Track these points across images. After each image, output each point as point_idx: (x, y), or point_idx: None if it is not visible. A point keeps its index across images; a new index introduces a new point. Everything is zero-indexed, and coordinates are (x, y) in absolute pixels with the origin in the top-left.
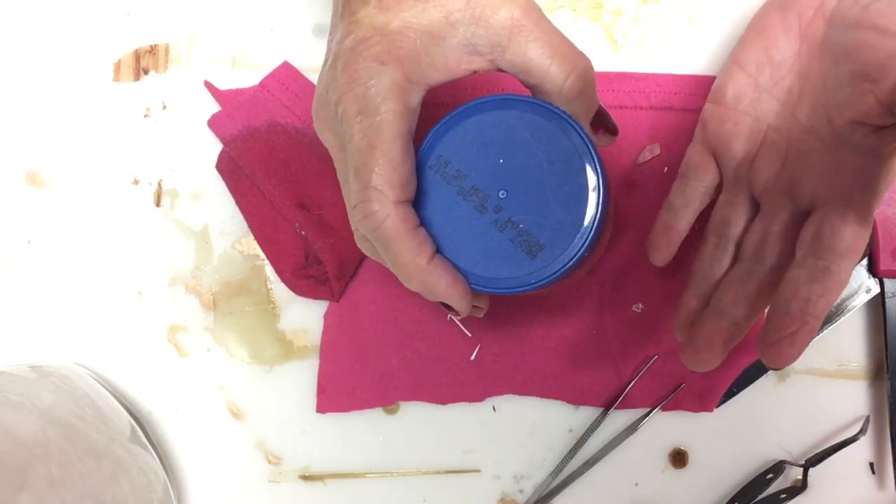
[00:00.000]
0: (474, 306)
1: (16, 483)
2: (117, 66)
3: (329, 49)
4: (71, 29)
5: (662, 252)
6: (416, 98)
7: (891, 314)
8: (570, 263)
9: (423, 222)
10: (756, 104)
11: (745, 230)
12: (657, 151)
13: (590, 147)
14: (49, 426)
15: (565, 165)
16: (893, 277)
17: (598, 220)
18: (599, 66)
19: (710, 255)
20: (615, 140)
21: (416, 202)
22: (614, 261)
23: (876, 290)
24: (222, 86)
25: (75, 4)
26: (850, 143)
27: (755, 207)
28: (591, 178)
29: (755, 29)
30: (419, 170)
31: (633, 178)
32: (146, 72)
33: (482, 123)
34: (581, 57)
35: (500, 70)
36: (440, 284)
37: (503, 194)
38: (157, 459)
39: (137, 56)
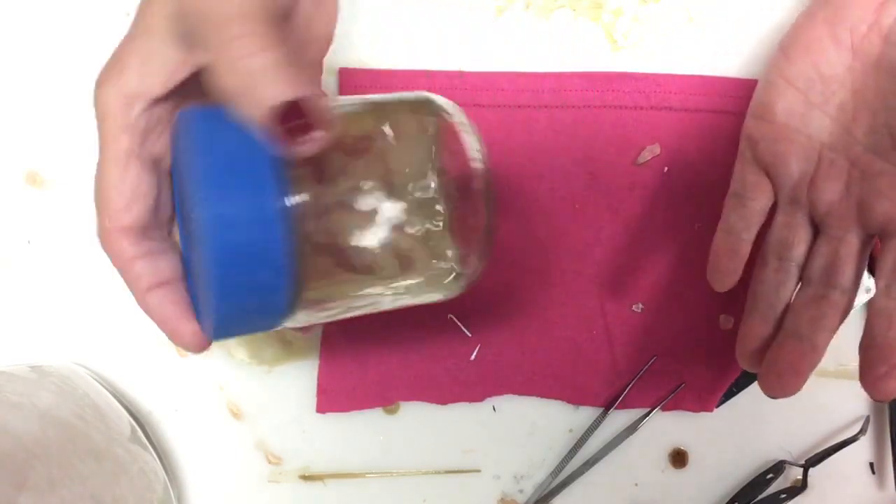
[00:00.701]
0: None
1: (16, 483)
2: None
3: None
4: (71, 29)
5: (728, 277)
6: (135, 113)
7: None
8: (224, 323)
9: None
10: (807, 121)
11: (807, 252)
12: (657, 151)
13: (251, 162)
14: (49, 426)
15: (232, 188)
16: None
17: (249, 266)
18: (599, 66)
19: (773, 278)
20: (319, 145)
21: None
22: (614, 261)
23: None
24: None
25: (75, 4)
26: None
27: (814, 228)
28: (236, 209)
29: (801, 43)
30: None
31: (633, 179)
32: None
33: (187, 138)
34: (242, 50)
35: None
36: (156, 322)
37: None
38: (157, 459)
39: None
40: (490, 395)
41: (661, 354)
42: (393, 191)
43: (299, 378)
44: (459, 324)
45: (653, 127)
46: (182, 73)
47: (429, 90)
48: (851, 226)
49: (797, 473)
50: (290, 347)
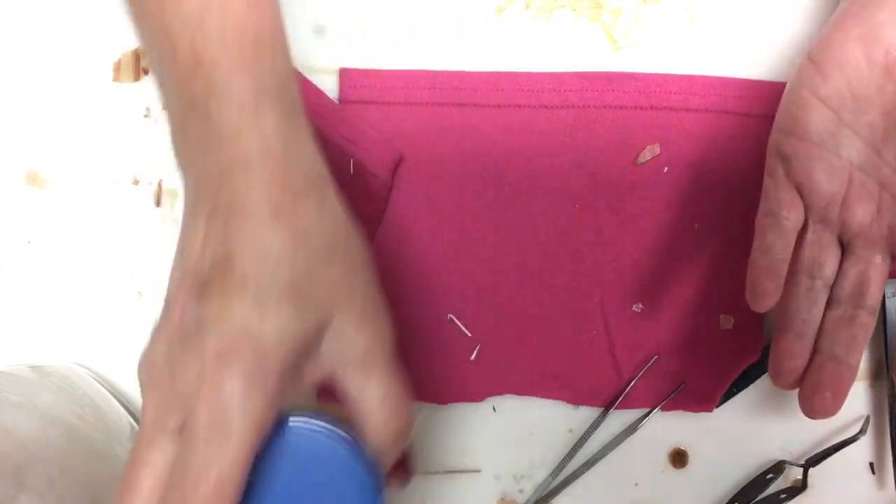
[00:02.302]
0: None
1: (16, 483)
2: (117, 66)
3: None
4: (71, 29)
5: (770, 298)
6: (271, 418)
7: (890, 314)
8: None
9: None
10: (837, 140)
11: (835, 271)
12: (657, 151)
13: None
14: (49, 426)
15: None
16: (893, 278)
17: None
18: (599, 66)
19: (805, 297)
20: (404, 485)
21: None
22: (614, 261)
23: None
24: None
25: (75, 4)
26: None
27: (840, 247)
28: None
29: (834, 60)
30: None
31: (633, 178)
32: (146, 72)
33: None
34: (410, 412)
35: (331, 387)
36: None
37: None
38: None
39: (137, 56)
40: (490, 395)
41: (662, 354)
42: None
43: None
44: (459, 324)
45: (653, 127)
46: (307, 386)
47: (429, 90)
48: (880, 248)
49: (797, 473)
50: None
